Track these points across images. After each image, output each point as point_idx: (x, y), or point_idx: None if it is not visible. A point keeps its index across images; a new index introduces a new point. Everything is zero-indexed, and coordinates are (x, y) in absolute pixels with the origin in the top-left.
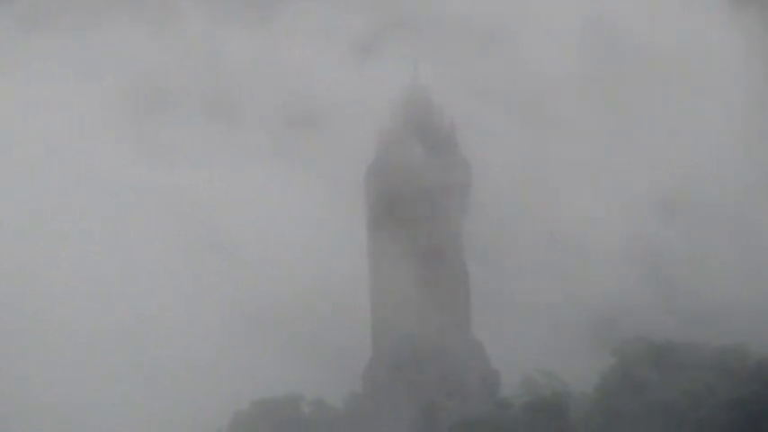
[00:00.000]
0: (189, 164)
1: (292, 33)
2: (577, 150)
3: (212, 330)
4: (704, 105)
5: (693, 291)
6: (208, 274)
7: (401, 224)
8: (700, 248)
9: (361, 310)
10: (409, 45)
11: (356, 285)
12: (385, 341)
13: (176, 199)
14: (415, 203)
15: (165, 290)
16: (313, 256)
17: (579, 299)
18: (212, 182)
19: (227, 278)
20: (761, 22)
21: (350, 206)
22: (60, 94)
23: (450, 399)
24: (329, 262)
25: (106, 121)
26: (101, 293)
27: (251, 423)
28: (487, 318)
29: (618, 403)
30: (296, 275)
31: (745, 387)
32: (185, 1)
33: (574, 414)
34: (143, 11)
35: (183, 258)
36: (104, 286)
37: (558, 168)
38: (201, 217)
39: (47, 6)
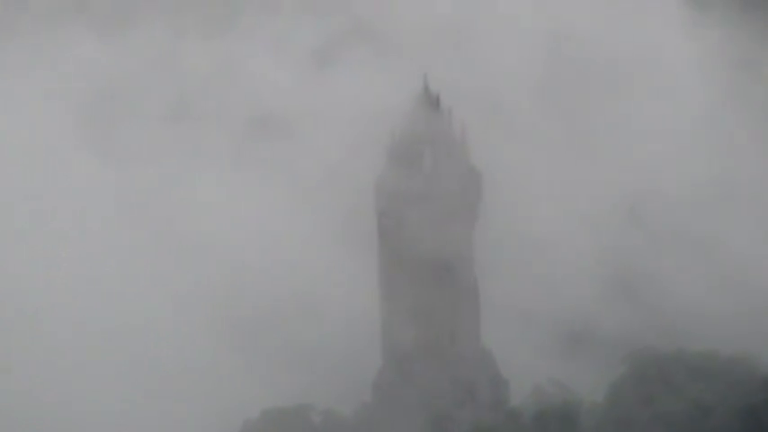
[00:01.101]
0: (152, 171)
1: (250, 43)
2: (540, 158)
3: (200, 337)
4: (665, 113)
5: (660, 300)
6: (189, 278)
7: (411, 233)
8: (665, 256)
9: (370, 319)
10: (366, 53)
11: (363, 294)
12: (395, 350)
13: (140, 204)
14: (425, 212)
15: (136, 294)
16: (297, 263)
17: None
18: (175, 186)
19: (201, 283)
20: (719, 31)
21: (315, 210)
22: (21, 104)
23: (460, 408)
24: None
25: (66, 130)
26: (72, 297)
27: None
28: (497, 327)
29: (628, 413)
30: (282, 282)
31: (755, 396)
32: (143, 12)
33: (584, 423)
34: (101, 22)
35: (162, 263)
36: (76, 290)
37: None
38: (168, 221)
39: (4, 18)
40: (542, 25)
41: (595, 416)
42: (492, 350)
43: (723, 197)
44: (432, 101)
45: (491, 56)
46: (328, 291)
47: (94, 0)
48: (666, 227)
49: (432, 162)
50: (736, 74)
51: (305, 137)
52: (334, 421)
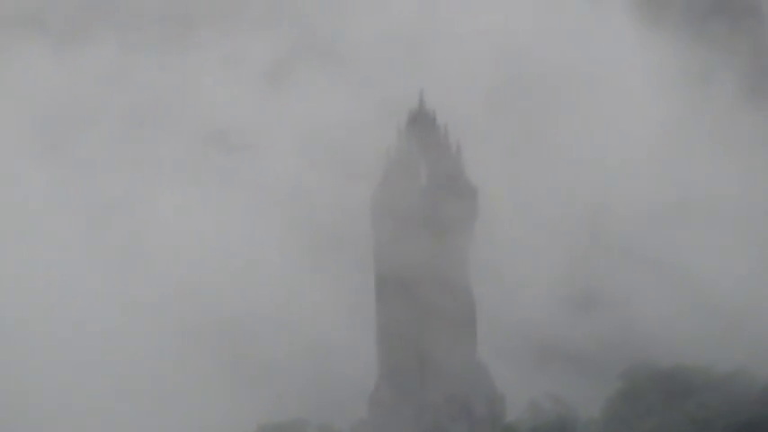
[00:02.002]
0: (109, 186)
1: (205, 59)
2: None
3: (166, 350)
4: (621, 128)
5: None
6: (147, 290)
7: (407, 249)
8: (625, 271)
9: (366, 335)
10: (320, 67)
11: (360, 311)
12: (391, 366)
13: (97, 218)
14: (421, 228)
15: (93, 305)
16: (262, 277)
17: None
18: (132, 200)
19: (161, 294)
20: (673, 44)
21: (271, 222)
22: None
23: (456, 423)
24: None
25: (22, 145)
26: (27, 311)
27: None
28: (494, 342)
29: (624, 428)
30: (245, 294)
31: (750, 411)
32: (97, 28)
33: None
34: (55, 38)
35: (120, 276)
36: (31, 304)
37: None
38: (125, 234)
39: None
40: (496, 39)
41: (592, 431)
42: (488, 365)
43: (681, 210)
44: (428, 117)
45: (445, 67)
46: (298, 303)
47: (48, 16)
48: (625, 241)
49: (428, 178)
50: (691, 87)
51: (260, 151)
52: None
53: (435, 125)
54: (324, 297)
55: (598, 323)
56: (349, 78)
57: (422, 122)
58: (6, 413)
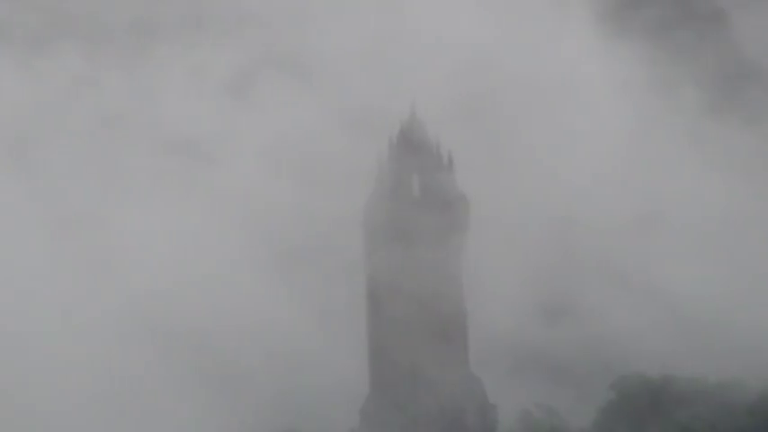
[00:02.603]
0: (72, 195)
1: (168, 72)
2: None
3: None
4: (585, 138)
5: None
6: (111, 295)
7: (399, 260)
8: (592, 281)
9: (358, 346)
10: (284, 81)
11: (353, 323)
12: (383, 377)
13: (61, 226)
14: (414, 238)
15: (60, 308)
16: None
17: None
18: (95, 208)
19: (128, 298)
20: (637, 53)
21: (235, 231)
22: None
23: None
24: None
25: None
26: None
27: None
28: (485, 353)
29: None
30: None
31: (742, 421)
32: (60, 41)
33: None
34: (17, 49)
35: (84, 282)
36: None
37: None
38: (89, 242)
39: None
40: (462, 50)
41: None
42: (480, 376)
43: (649, 221)
44: (419, 128)
45: (408, 78)
46: (264, 313)
47: (13, 27)
48: (595, 252)
49: (420, 189)
50: (658, 97)
51: (224, 161)
52: None
53: (427, 136)
54: (293, 307)
55: (570, 334)
56: (312, 89)
57: (413, 133)
58: None
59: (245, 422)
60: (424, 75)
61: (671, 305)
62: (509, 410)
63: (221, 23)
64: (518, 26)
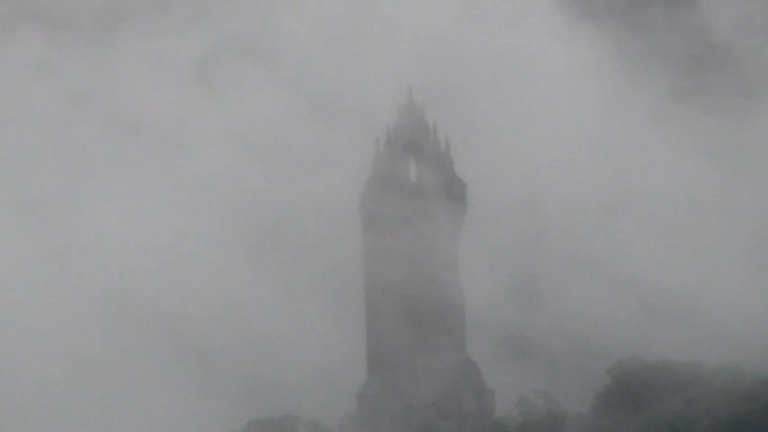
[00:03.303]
0: (36, 178)
1: (133, 55)
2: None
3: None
4: (549, 120)
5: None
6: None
7: (396, 244)
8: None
9: (356, 330)
10: (246, 68)
11: (352, 306)
12: (380, 363)
13: (26, 209)
14: (411, 223)
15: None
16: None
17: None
18: (60, 192)
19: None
20: (602, 36)
21: (198, 216)
22: None
23: (445, 420)
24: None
25: None
26: None
27: None
28: (482, 339)
29: (613, 423)
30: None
31: (739, 406)
32: (23, 23)
33: None
34: None
35: (50, 266)
36: None
37: None
38: (54, 226)
39: None
40: (423, 35)
41: (580, 426)
42: (477, 361)
43: (614, 204)
44: (416, 113)
45: (370, 64)
46: (233, 296)
47: None
48: (559, 236)
49: (417, 175)
50: (624, 79)
51: (188, 146)
52: None
53: (424, 121)
54: (263, 291)
55: (537, 317)
56: (276, 75)
57: (411, 118)
58: None
59: (238, 408)
60: (388, 60)
61: (637, 289)
62: (506, 396)
63: (185, 8)
64: (481, 12)
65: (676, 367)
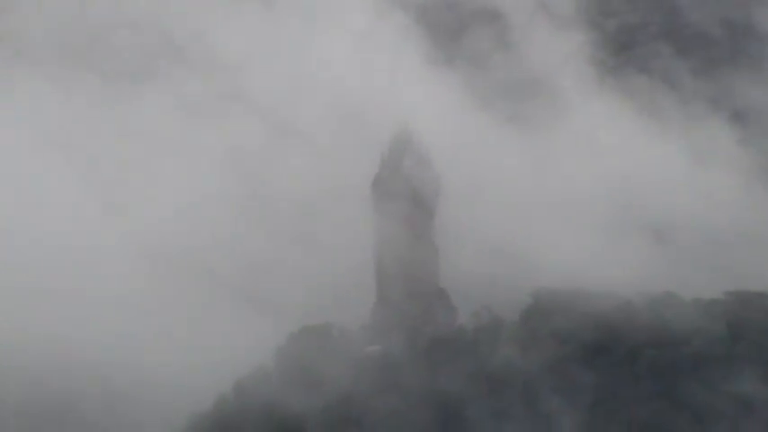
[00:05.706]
0: None
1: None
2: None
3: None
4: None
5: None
6: None
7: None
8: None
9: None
10: (176, 70)
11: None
12: (384, 292)
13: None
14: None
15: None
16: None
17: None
18: None
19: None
20: (457, 79)
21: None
22: None
23: (426, 325)
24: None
25: None
26: None
27: (299, 346)
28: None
29: (532, 329)
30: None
31: (604, 327)
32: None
33: (503, 335)
34: None
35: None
36: None
37: None
38: None
39: None
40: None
41: (510, 331)
42: (446, 288)
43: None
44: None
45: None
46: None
47: None
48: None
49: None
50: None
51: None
52: (348, 336)
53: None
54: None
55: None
56: (208, 80)
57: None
58: None
59: (278, 324)
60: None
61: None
62: (464, 311)
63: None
64: (372, 60)
65: (588, 295)
